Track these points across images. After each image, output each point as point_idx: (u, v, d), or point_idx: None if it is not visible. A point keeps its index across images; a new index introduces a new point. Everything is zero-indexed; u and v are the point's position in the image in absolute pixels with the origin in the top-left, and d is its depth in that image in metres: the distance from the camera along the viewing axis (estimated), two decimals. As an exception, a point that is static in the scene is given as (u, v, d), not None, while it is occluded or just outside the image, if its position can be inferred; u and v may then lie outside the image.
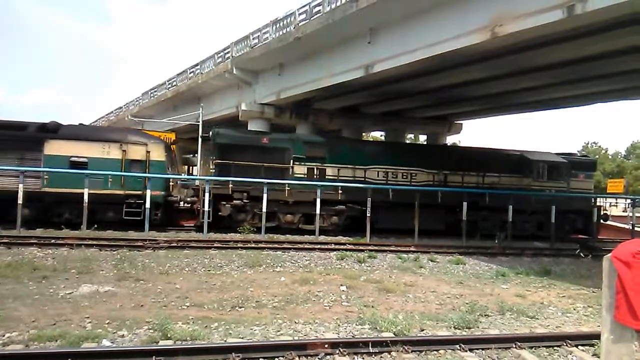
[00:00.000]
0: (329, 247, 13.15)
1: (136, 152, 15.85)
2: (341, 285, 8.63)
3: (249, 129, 24.04)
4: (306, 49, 18.77)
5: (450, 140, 33.83)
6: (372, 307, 7.21)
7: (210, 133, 17.67)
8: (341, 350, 4.93)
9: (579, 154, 26.75)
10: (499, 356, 5.27)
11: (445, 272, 10.94)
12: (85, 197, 13.62)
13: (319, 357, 4.85)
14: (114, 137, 16.24)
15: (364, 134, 35.74)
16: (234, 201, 16.18)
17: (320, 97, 22.15)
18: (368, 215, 15.38)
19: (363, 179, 17.62)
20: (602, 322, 2.29)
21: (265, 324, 6.06)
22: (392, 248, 13.58)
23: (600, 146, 66.40)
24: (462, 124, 30.58)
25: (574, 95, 22.60)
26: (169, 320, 5.60)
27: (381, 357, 5.02)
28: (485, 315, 7.09)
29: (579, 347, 5.58)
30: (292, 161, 17.12)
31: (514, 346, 5.47)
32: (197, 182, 18.26)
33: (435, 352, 5.24)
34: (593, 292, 8.71)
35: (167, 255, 10.90)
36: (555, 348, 5.59)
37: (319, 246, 13.11)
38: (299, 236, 15.25)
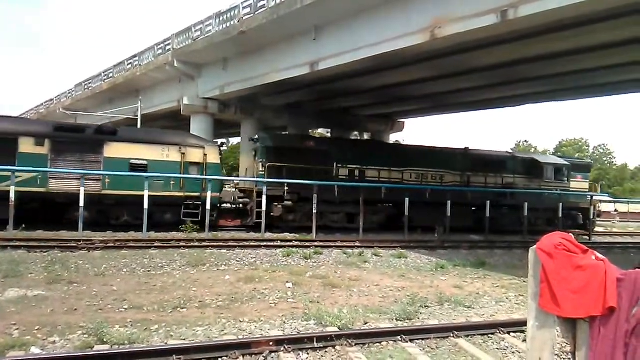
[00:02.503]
0: (275, 244, 13.07)
1: (194, 155, 16.16)
2: (287, 282, 8.61)
3: (191, 124, 23.40)
4: (251, 43, 18.51)
5: (393, 138, 34.71)
6: (318, 302, 7.25)
7: (257, 136, 18.55)
8: (286, 347, 4.93)
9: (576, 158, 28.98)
10: (438, 345, 5.49)
11: (388, 266, 11.23)
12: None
13: (264, 355, 4.82)
14: (173, 140, 16.39)
15: (309, 131, 35.84)
16: (285, 202, 16.70)
17: (266, 92, 21.94)
18: (315, 211, 15.46)
19: (400, 180, 18.84)
20: (528, 310, 2.44)
21: (209, 324, 5.92)
22: (337, 244, 13.74)
23: (530, 144, 70.92)
24: (404, 122, 31.53)
25: (508, 96, 24.01)
26: (105, 324, 5.34)
27: (326, 351, 5.06)
28: (425, 306, 7.35)
29: (511, 334, 5.94)
30: (335, 164, 17.96)
31: (452, 335, 5.73)
32: (243, 184, 18.73)
33: (378, 344, 5.37)
34: (524, 281, 9.29)
35: (103, 256, 10.36)
36: (490, 336, 5.91)
37: (265, 243, 13.00)
38: (244, 233, 15.07)
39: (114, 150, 15.16)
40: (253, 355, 4.80)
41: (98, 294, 7.24)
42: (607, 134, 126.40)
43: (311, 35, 16.32)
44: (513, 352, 5.37)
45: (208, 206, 14.29)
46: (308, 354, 4.96)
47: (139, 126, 24.62)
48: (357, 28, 14.95)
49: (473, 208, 19.54)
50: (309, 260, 11.25)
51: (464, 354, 5.26)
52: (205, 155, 16.26)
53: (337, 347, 5.13)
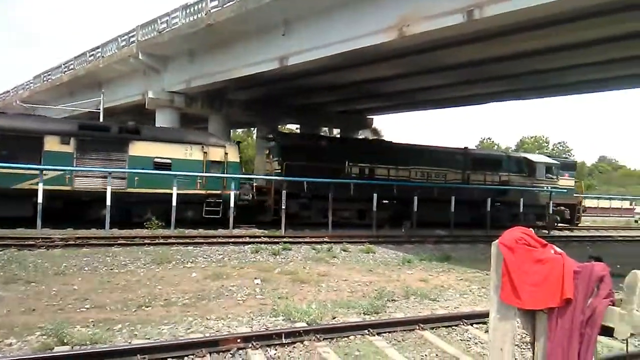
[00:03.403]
0: (244, 240, 12.97)
1: (216, 154, 16.49)
2: (255, 278, 8.55)
3: (156, 118, 22.84)
4: (219, 36, 18.18)
5: (362, 135, 34.98)
6: (286, 298, 7.24)
7: (272, 136, 19.28)
8: (254, 343, 4.89)
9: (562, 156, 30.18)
10: (404, 338, 5.59)
11: (356, 261, 11.33)
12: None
13: (232, 352, 4.78)
14: (196, 139, 16.78)
15: (279, 126, 35.65)
16: (301, 199, 17.31)
17: (233, 87, 21.64)
18: (283, 207, 15.42)
19: (407, 178, 19.77)
20: (490, 302, 2.51)
21: (175, 322, 5.82)
22: (306, 239, 13.75)
23: (493, 141, 73.02)
24: (373, 119, 31.81)
25: (475, 94, 24.62)
26: (65, 324, 5.16)
27: (294, 347, 5.07)
28: (392, 300, 7.47)
29: (474, 325, 6.12)
30: (347, 162, 18.64)
31: (417, 328, 5.85)
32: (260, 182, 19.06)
33: (345, 338, 5.42)
34: (486, 274, 9.56)
35: (63, 255, 9.99)
36: (454, 327, 6.07)
37: (233, 240, 12.87)
38: (212, 230, 14.87)
39: (139, 148, 15.37)
40: (220, 353, 4.75)
41: (58, 294, 6.98)
42: (565, 131, 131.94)
43: (280, 30, 16.18)
44: (476, 343, 5.52)
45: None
46: (276, 350, 4.95)
47: (101, 119, 23.83)
48: (327, 24, 14.93)
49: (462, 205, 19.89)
50: (277, 257, 11.22)
51: (429, 346, 5.37)
52: (226, 154, 16.65)
53: (306, 342, 5.15)
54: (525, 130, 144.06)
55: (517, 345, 2.38)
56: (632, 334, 2.07)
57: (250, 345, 4.86)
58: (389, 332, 5.68)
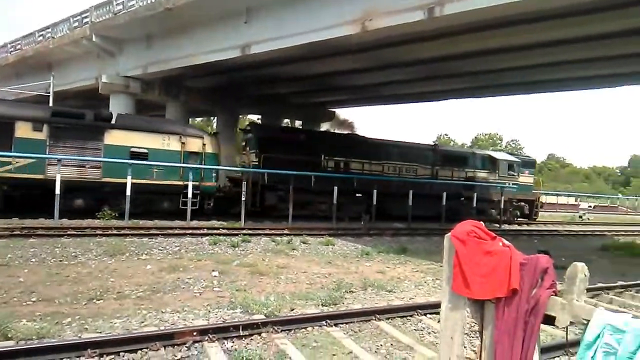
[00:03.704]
0: (202, 232, 12.74)
1: (194, 145, 16.32)
2: (213, 270, 8.44)
3: (110, 103, 21.92)
4: (178, 21, 17.62)
5: (324, 127, 35.07)
6: (245, 290, 7.20)
7: (249, 127, 19.67)
8: (211, 336, 4.84)
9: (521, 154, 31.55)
10: (361, 328, 5.70)
11: (316, 253, 11.40)
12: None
13: (187, 345, 4.70)
14: (174, 129, 16.54)
15: (240, 116, 35.12)
16: (279, 191, 17.48)
17: (193, 74, 21.05)
18: (243, 198, 15.26)
19: (380, 172, 20.43)
20: (442, 293, 2.60)
21: (128, 315, 5.66)
22: (266, 231, 13.69)
23: (450, 137, 75.13)
24: (335, 111, 31.94)
25: (434, 90, 25.18)
26: (10, 318, 4.92)
27: (252, 339, 5.05)
28: (350, 291, 7.58)
29: (428, 315, 6.31)
30: (323, 156, 19.01)
31: (374, 318, 5.97)
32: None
33: (303, 329, 5.46)
34: (441, 266, 9.79)
35: (7, 245, 9.46)
36: (408, 317, 6.25)
37: (190, 231, 12.63)
38: (168, 221, 14.51)
39: (115, 137, 14.99)
40: (175, 346, 4.66)
41: (2, 286, 6.62)
42: (518, 129, 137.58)
43: (242, 17, 15.88)
44: (429, 333, 5.71)
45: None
46: (233, 342, 4.92)
47: (50, 103, 22.62)
48: (290, 14, 14.79)
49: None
50: (236, 249, 11.10)
51: (385, 336, 5.51)
52: (204, 145, 16.48)
53: (263, 334, 5.14)
54: (480, 127, 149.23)
55: (466, 333, 2.48)
56: (571, 322, 2.21)
57: (206, 338, 4.80)
58: (346, 323, 5.77)
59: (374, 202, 17.90)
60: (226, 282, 7.68)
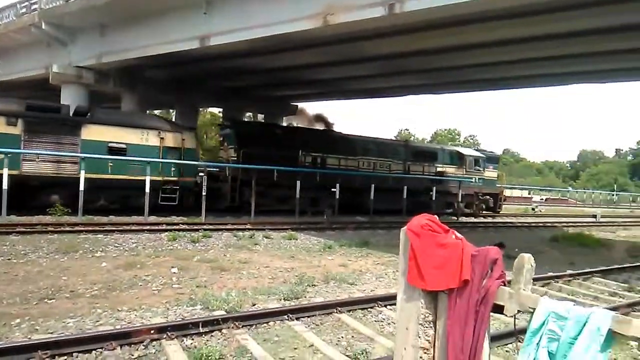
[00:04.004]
0: (160, 227, 12.44)
1: (173, 140, 16.28)
2: (172, 267, 8.27)
3: (62, 94, 20.93)
4: (134, 10, 17.00)
5: (286, 121, 34.95)
6: (205, 287, 7.10)
7: (228, 123, 19.96)
8: (169, 334, 4.75)
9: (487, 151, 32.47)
10: (322, 321, 5.75)
11: (278, 248, 11.38)
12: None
13: (144, 344, 4.60)
14: (152, 124, 16.41)
15: (200, 109, 34.42)
16: (258, 187, 17.16)
17: (150, 65, 20.42)
18: (204, 193, 15.00)
19: (356, 168, 20.88)
20: (398, 285, 2.67)
21: (82, 314, 5.46)
22: (228, 227, 13.53)
23: (410, 132, 76.60)
24: (297, 105, 31.86)
25: (394, 86, 25.55)
26: (-51, 322, 4.63)
27: (212, 335, 5.00)
28: (312, 285, 7.62)
29: (388, 306, 6.44)
30: (300, 151, 19.23)
31: (335, 311, 6.04)
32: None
33: (265, 324, 5.45)
34: (400, 258, 10.12)
35: (-52, 245, 8.92)
36: (369, 309, 6.36)
37: (148, 227, 12.29)
38: (125, 217, 14.07)
39: (92, 132, 14.75)
40: (132, 345, 4.55)
41: (-59, 289, 6.23)
42: (475, 125, 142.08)
43: (202, 8, 15.50)
44: (389, 324, 5.84)
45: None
46: (193, 339, 4.85)
47: None
48: (251, 6, 14.58)
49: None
50: (197, 244, 10.92)
51: (345, 328, 5.58)
52: (183, 140, 16.45)
53: (224, 331, 5.10)
54: (439, 123, 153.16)
55: (421, 324, 2.55)
56: (519, 311, 2.31)
57: (165, 336, 4.71)
58: (308, 316, 5.81)
59: (337, 196, 18.04)
60: (186, 279, 7.55)
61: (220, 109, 33.69)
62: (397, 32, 14.80)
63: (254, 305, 6.28)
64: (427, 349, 2.57)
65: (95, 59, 19.65)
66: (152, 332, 4.70)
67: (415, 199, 20.59)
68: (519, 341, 2.24)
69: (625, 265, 10.92)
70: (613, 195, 60.24)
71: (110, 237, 10.84)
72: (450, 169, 24.47)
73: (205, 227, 13.02)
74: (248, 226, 13.80)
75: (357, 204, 19.38)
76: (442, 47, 17.11)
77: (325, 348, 4.85)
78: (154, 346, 4.60)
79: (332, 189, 18.80)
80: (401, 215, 19.47)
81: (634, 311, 6.72)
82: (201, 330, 4.98)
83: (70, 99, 20.18)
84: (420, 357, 2.57)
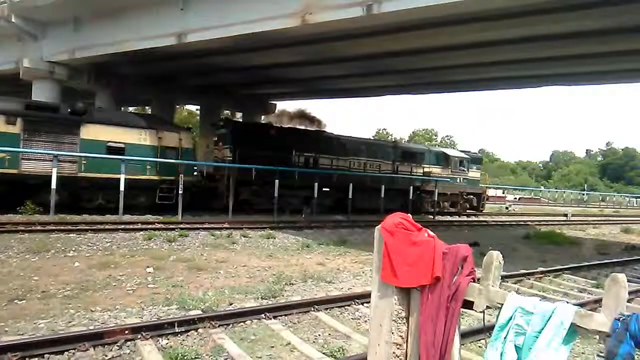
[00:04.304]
0: (135, 227, 12.25)
1: (171, 140, 16.51)
2: (148, 267, 8.16)
3: (33, 90, 20.35)
4: (109, 4, 16.63)
5: (265, 119, 34.79)
6: (181, 286, 7.04)
7: (222, 123, 20.21)
8: (144, 334, 4.70)
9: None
10: (300, 320, 5.77)
11: (256, 247, 11.35)
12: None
13: (118, 345, 4.53)
14: (151, 124, 16.58)
15: (177, 106, 33.95)
16: (253, 186, 17.83)
17: (126, 61, 20.00)
18: (181, 192, 14.83)
19: (347, 168, 21.35)
20: (372, 282, 2.71)
21: (54, 315, 5.35)
22: (205, 225, 13.42)
23: (388, 132, 77.22)
24: (276, 104, 31.76)
25: (371, 86, 25.74)
26: None
27: (188, 335, 4.97)
28: (290, 284, 7.64)
29: (364, 304, 6.51)
30: (294, 152, 19.63)
31: (313, 309, 6.08)
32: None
33: (242, 323, 5.44)
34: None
35: None
36: (346, 307, 6.41)
37: (122, 226, 12.09)
38: (99, 216, 13.80)
39: (91, 131, 14.86)
40: (106, 346, 4.48)
41: None
42: (452, 125, 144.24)
43: (178, 4, 15.31)
44: (365, 321, 5.90)
45: (122, 187, 13.83)
46: (168, 339, 4.81)
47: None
48: (229, 4, 14.46)
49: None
50: (173, 243, 10.79)
51: (323, 326, 5.62)
52: (180, 140, 16.72)
53: (200, 330, 5.07)
54: (417, 122, 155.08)
55: (394, 320, 2.60)
56: (487, 307, 2.39)
57: (139, 336, 4.66)
58: (285, 315, 5.82)
59: (315, 195, 18.08)
60: (161, 279, 7.46)
61: (198, 107, 33.32)
62: (375, 32, 14.92)
63: (231, 304, 6.26)
64: (400, 345, 2.63)
65: (69, 54, 19.16)
66: (126, 332, 4.64)
67: (402, 198, 21.25)
68: (488, 336, 2.31)
69: (594, 263, 11.29)
70: (583, 194, 62.10)
71: (83, 236, 10.62)
72: (436, 169, 25.13)
73: (182, 226, 12.88)
74: (226, 225, 13.71)
75: (345, 203, 19.57)
76: (419, 48, 17.32)
77: (302, 346, 4.88)
78: (128, 347, 4.54)
79: (325, 188, 19.40)
80: (379, 214, 19.67)
81: (601, 307, 6.97)
82: (177, 330, 4.94)
83: (41, 94, 19.67)
84: (394, 353, 2.63)
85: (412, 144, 28.47)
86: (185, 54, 18.45)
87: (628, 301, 2.10)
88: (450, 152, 27.58)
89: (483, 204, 27.80)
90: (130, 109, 39.48)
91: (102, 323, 5.19)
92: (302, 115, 25.21)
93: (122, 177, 13.96)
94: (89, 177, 14.49)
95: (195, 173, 17.73)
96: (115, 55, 18.22)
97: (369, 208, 19.98)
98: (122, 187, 13.84)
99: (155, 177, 15.74)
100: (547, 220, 25.94)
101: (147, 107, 37.70)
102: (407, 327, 2.62)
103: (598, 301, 6.89)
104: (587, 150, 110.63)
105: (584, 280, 9.48)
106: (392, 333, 2.61)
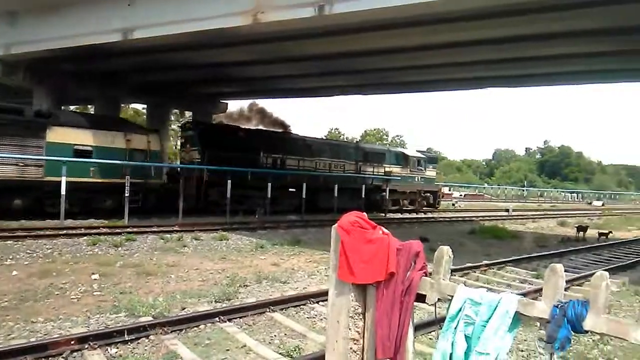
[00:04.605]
0: (78, 232, 11.66)
1: (139, 142, 16.45)
2: (93, 273, 7.80)
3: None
4: (50, -2, 15.72)
5: (216, 119, 34.13)
6: (130, 293, 6.79)
7: (189, 125, 20.87)
8: (92, 344, 4.49)
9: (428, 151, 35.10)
10: (255, 321, 5.73)
11: (209, 249, 11.13)
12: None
13: (64, 356, 4.31)
14: (119, 126, 16.54)
15: (122, 105, 32.56)
16: (222, 187, 17.33)
17: (67, 57, 18.95)
18: (126, 194, 14.26)
19: (313, 169, 21.92)
20: (329, 281, 2.75)
21: (-10, 329, 5.00)
22: (154, 229, 12.99)
23: (340, 131, 78.01)
24: (227, 103, 31.24)
25: (323, 86, 25.88)
26: None
27: (139, 343, 4.80)
28: (244, 285, 7.56)
29: (320, 303, 6.57)
30: (262, 153, 19.99)
31: (268, 310, 6.05)
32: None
33: (195, 327, 5.33)
34: (332, 255, 10.32)
35: None
36: (302, 306, 6.44)
37: (64, 232, 11.47)
38: (38, 221, 13.01)
39: (57, 134, 14.55)
40: (50, 358, 4.25)
41: None
42: (401, 124, 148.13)
43: (126, -1, 14.70)
44: (321, 319, 5.95)
45: (63, 191, 13.15)
46: (118, 348, 4.63)
47: None
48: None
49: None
50: (119, 248, 10.37)
51: (278, 326, 5.62)
52: (148, 142, 16.68)
53: (152, 337, 4.92)
54: (368, 122, 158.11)
55: (351, 316, 2.65)
56: (439, 299, 2.49)
57: (86, 346, 4.45)
58: (240, 317, 5.77)
59: (269, 195, 17.97)
60: (108, 285, 7.16)
61: (145, 105, 32.15)
62: (328, 33, 15.02)
63: (183, 309, 6.12)
64: (357, 340, 2.68)
65: (3, 49, 17.85)
66: (72, 342, 4.42)
67: (358, 197, 21.74)
68: (440, 328, 2.41)
69: (533, 255, 12.01)
70: (523, 190, 65.71)
71: (21, 243, 9.99)
72: (396, 169, 26.09)
73: (128, 230, 12.39)
74: (176, 228, 13.35)
75: (312, 203, 20.02)
76: (371, 50, 17.62)
77: (258, 348, 4.85)
78: (74, 358, 4.34)
79: (290, 189, 19.83)
80: (332, 214, 19.85)
81: (541, 296, 7.42)
82: (127, 338, 4.77)
83: (-29, 92, 18.25)
84: (351, 348, 2.68)
85: (374, 145, 30.06)
86: (131, 51, 17.73)
87: (565, 289, 2.26)
88: (408, 152, 28.66)
89: (439, 201, 29.18)
90: (71, 107, 37.49)
91: (45, 334, 4.91)
92: (261, 112, 25.41)
93: (63, 179, 13.24)
94: (55, 181, 13.72)
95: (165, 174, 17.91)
96: (56, 51, 17.19)
97: (326, 207, 20.35)
98: (62, 191, 13.12)
99: (123, 180, 15.12)
100: (490, 216, 27.23)
101: (89, 106, 35.97)
102: (364, 323, 2.68)
103: (538, 290, 7.34)
104: (526, 148, 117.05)
105: (525, 271, 10.05)
106: (349, 329, 2.66)
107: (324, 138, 25.70)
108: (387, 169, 25.54)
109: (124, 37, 15.18)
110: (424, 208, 27.41)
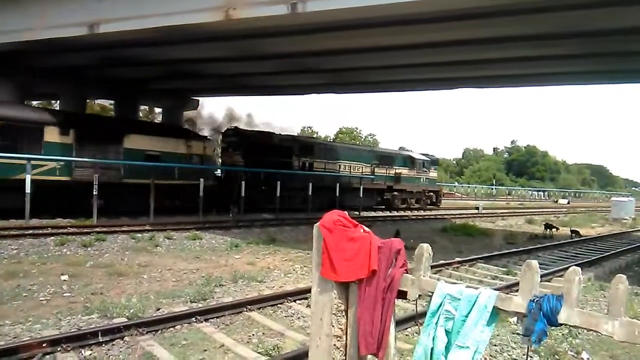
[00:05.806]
0: (45, 231, 11.26)
1: (197, 148, 18.85)
2: (62, 274, 7.57)
3: None
4: (10, -12, 15.07)
5: (187, 115, 33.54)
6: (102, 294, 6.64)
7: (232, 132, 22.39)
8: (64, 346, 4.38)
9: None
10: (232, 321, 5.70)
11: (182, 249, 10.97)
12: None
13: (36, 359, 4.18)
14: (181, 134, 18.97)
15: (88, 101, 31.57)
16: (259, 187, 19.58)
17: (30, 51, 18.21)
18: (95, 193, 13.87)
19: (337, 171, 24.16)
20: (312, 279, 2.78)
21: (-48, 334, 4.79)
22: (124, 228, 12.70)
23: (313, 130, 78.01)
24: (199, 100, 30.76)
25: (296, 84, 25.82)
26: None
27: (113, 344, 4.71)
28: (220, 285, 7.50)
29: (297, 301, 6.59)
30: (293, 157, 22.22)
31: (245, 309, 6.03)
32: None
33: (171, 328, 5.26)
34: (308, 254, 10.36)
35: None
36: (279, 305, 6.44)
37: (30, 231, 11.07)
38: (1, 221, 12.50)
39: (132, 141, 16.62)
40: (21, 363, 4.11)
41: None
42: (374, 123, 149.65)
43: (92, -9, 14.24)
44: (298, 318, 5.98)
45: (27, 189, 12.88)
46: (92, 350, 4.53)
47: None
48: (148, -6, 13.75)
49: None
50: (89, 248, 10.10)
51: (256, 325, 5.61)
52: (204, 147, 19.06)
53: (126, 338, 4.83)
54: (341, 121, 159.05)
55: (334, 314, 2.69)
56: (420, 295, 2.56)
57: (59, 349, 4.33)
58: (217, 317, 5.73)
59: (242, 194, 17.84)
60: (79, 286, 6.97)
61: (112, 101, 31.27)
62: (300, 31, 14.99)
63: (158, 309, 6.03)
64: (340, 337, 2.72)
65: (-41, 41, 17.02)
66: (44, 345, 4.29)
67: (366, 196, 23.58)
68: (420, 325, 2.47)
69: (503, 252, 12.35)
70: (492, 189, 67.47)
71: (-17, 244, 9.58)
72: (404, 171, 28.46)
73: (97, 229, 12.06)
74: (147, 227, 13.10)
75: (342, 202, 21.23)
76: (344, 49, 17.69)
77: (236, 347, 4.83)
78: (46, 361, 4.21)
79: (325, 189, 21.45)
80: (305, 212, 19.89)
81: (512, 292, 7.66)
82: (101, 340, 4.67)
83: None
84: (334, 345, 2.71)
85: (386, 149, 32.16)
86: (98, 45, 17.18)
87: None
88: (415, 155, 30.62)
89: (440, 200, 31.68)
90: (34, 103, 36.13)
91: (15, 337, 4.75)
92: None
93: (28, 177, 12.77)
94: (130, 183, 15.99)
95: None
96: (18, 44, 16.49)
97: (351, 205, 21.72)
98: (27, 189, 12.66)
99: (184, 182, 17.23)
100: (461, 214, 27.84)
101: (53, 102, 34.79)
102: (347, 319, 2.72)
103: (509, 287, 7.58)
104: (494, 148, 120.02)
105: (495, 268, 10.34)
106: (333, 326, 2.70)
107: (345, 142, 28.34)
108: (397, 171, 27.74)
109: (90, 31, 14.67)
110: (427, 206, 29.68)
